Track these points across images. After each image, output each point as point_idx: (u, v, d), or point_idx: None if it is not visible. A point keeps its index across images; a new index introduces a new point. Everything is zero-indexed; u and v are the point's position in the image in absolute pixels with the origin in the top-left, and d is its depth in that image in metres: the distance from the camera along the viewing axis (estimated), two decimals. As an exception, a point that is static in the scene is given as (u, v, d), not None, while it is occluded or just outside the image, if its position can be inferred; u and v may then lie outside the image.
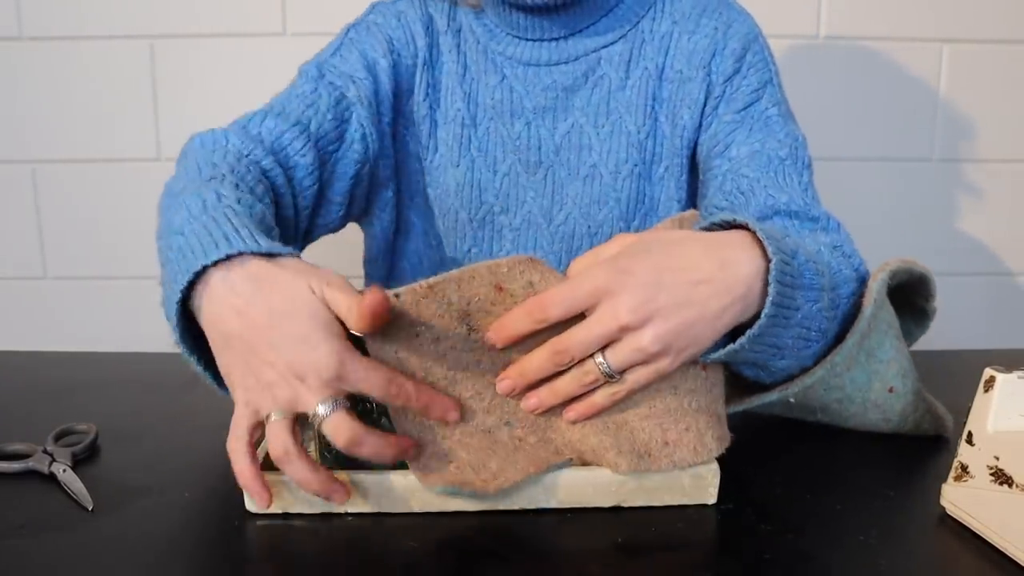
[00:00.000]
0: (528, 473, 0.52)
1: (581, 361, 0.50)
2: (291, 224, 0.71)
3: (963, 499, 0.51)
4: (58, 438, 0.63)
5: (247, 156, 0.66)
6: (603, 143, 0.77)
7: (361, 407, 0.53)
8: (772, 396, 0.61)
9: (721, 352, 0.53)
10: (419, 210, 0.84)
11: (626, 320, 0.48)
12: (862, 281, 0.64)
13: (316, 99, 0.74)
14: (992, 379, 0.50)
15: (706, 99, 0.77)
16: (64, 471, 0.57)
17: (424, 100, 0.79)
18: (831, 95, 1.26)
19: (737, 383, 0.63)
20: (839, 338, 0.61)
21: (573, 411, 0.52)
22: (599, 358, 0.50)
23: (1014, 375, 0.49)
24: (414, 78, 0.79)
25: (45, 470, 0.57)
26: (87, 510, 0.54)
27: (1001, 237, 1.30)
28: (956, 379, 0.73)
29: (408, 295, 0.50)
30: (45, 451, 0.60)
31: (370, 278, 0.89)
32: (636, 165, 0.77)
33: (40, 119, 1.22)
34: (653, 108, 0.77)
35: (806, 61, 1.24)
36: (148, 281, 1.26)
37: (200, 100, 1.21)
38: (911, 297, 0.69)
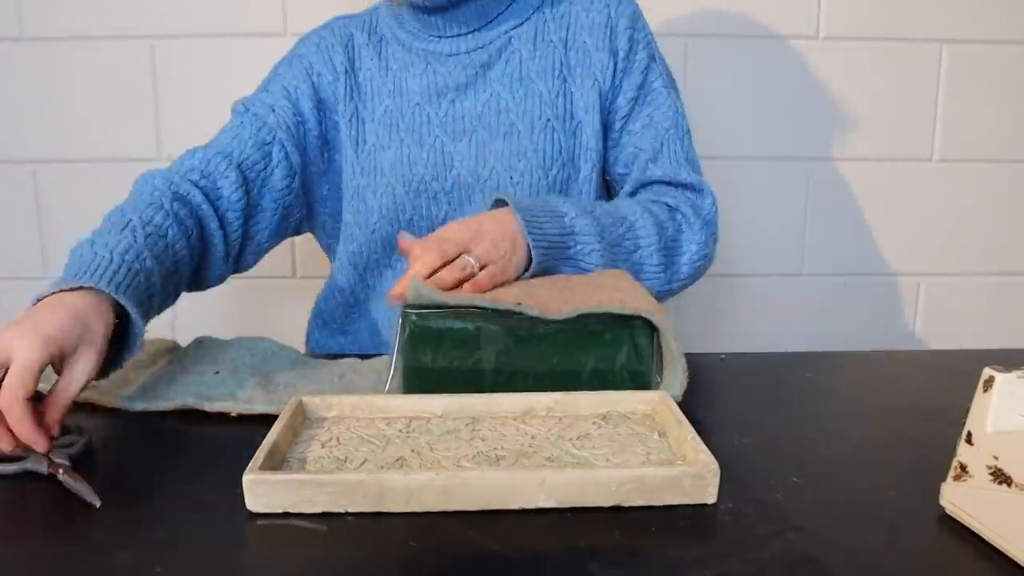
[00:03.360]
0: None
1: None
2: (220, 234, 0.87)
3: (963, 499, 0.51)
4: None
5: (170, 190, 0.84)
6: (519, 105, 0.89)
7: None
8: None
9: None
10: (358, 199, 0.96)
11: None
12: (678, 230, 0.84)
13: (240, 131, 0.91)
14: (991, 379, 0.50)
15: (613, 68, 0.90)
16: (62, 472, 0.57)
17: (349, 102, 0.93)
18: (831, 95, 1.26)
19: None
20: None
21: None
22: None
23: (1014, 375, 0.49)
24: (336, 88, 0.93)
25: (44, 471, 0.57)
26: (94, 507, 0.53)
27: (1001, 237, 1.31)
28: (956, 379, 0.73)
29: None
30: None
31: (339, 274, 0.99)
32: (549, 120, 0.89)
33: (40, 119, 1.22)
34: (562, 72, 0.90)
35: (806, 61, 1.24)
36: (148, 281, 1.25)
37: (200, 100, 1.21)
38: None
